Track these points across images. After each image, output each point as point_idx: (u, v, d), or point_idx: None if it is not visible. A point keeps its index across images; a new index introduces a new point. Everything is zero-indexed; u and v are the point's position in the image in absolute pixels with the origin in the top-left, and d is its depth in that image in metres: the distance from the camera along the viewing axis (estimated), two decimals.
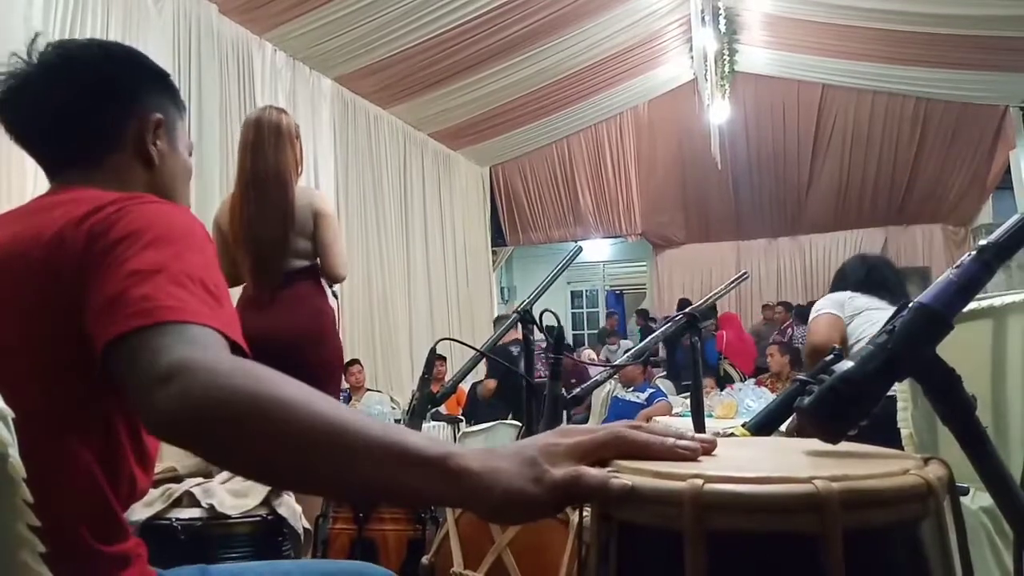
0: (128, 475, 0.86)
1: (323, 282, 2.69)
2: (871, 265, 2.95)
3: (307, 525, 1.97)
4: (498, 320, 6.99)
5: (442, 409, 5.40)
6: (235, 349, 0.69)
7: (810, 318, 2.88)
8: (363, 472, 0.57)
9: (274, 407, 0.58)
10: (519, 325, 1.68)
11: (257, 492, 1.91)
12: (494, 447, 0.59)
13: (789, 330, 8.67)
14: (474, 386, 6.37)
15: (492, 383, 6.14)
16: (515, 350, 5.11)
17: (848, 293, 2.81)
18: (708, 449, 0.57)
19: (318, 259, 2.62)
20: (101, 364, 0.70)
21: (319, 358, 2.49)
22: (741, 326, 8.88)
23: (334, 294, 2.79)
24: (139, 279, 0.71)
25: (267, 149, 2.53)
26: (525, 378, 1.85)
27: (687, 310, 1.68)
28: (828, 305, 2.81)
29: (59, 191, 0.92)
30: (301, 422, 0.57)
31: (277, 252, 2.53)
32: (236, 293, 2.81)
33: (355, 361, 6.11)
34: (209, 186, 4.93)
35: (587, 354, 8.25)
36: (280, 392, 0.59)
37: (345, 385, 5.92)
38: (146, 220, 0.79)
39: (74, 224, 0.80)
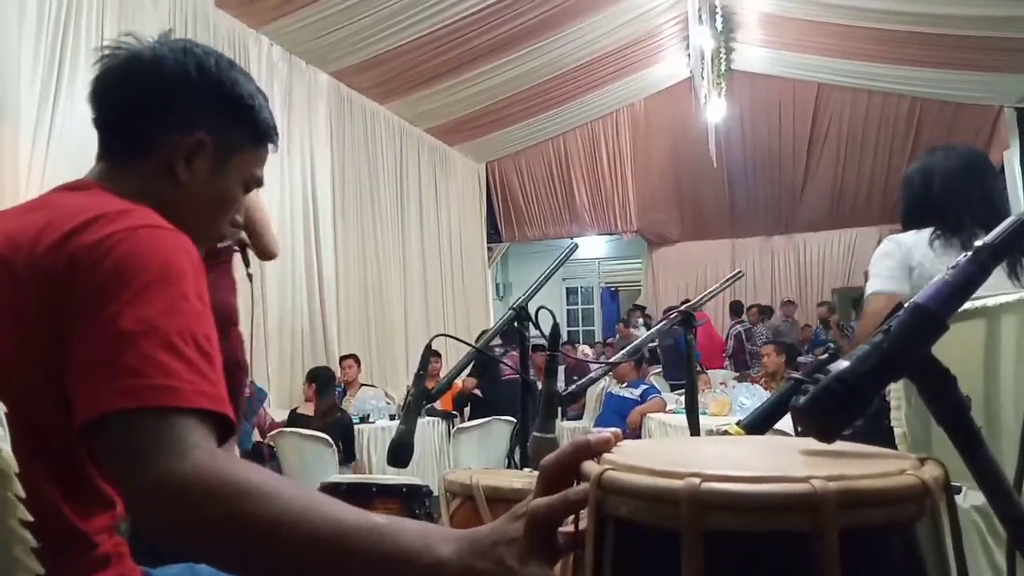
0: (94, 491, 0.82)
1: (234, 266, 2.51)
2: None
3: None
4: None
5: (437, 405, 5.40)
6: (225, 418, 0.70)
7: None
8: None
9: (244, 537, 0.61)
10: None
11: None
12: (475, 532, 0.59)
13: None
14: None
15: (471, 381, 5.96)
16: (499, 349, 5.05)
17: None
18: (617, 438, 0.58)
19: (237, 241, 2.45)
20: (80, 429, 0.68)
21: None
22: (711, 324, 8.98)
23: (249, 276, 2.60)
24: (127, 343, 0.67)
25: None
26: (521, 374, 1.85)
27: (682, 307, 1.68)
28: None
29: (72, 189, 0.92)
30: (268, 553, 0.61)
31: None
32: None
33: (350, 356, 6.10)
34: None
35: (583, 351, 8.26)
36: (256, 517, 0.60)
37: (341, 379, 5.92)
38: (137, 258, 0.73)
39: (54, 244, 0.75)
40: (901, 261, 1.93)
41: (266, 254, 2.61)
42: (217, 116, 0.96)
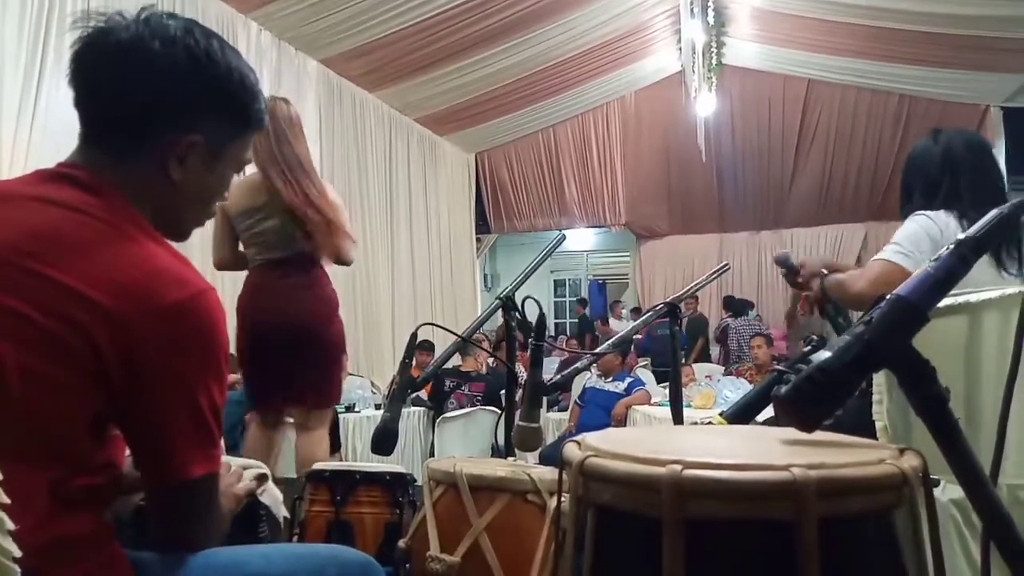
0: (91, 489, 0.85)
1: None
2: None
3: (287, 513, 1.96)
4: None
5: (422, 394, 5.40)
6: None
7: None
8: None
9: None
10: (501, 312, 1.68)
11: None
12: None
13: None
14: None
15: None
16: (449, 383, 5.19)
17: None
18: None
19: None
20: (174, 482, 0.89)
21: (324, 340, 2.66)
22: None
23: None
24: (202, 419, 0.87)
25: (292, 140, 2.77)
26: (507, 365, 1.86)
27: (668, 299, 1.68)
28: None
29: (73, 181, 0.90)
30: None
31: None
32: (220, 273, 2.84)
33: None
34: None
35: (567, 343, 8.27)
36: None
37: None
38: (206, 333, 0.87)
39: (121, 290, 0.82)
40: (932, 238, 1.77)
41: (339, 260, 2.77)
42: (209, 113, 0.94)
